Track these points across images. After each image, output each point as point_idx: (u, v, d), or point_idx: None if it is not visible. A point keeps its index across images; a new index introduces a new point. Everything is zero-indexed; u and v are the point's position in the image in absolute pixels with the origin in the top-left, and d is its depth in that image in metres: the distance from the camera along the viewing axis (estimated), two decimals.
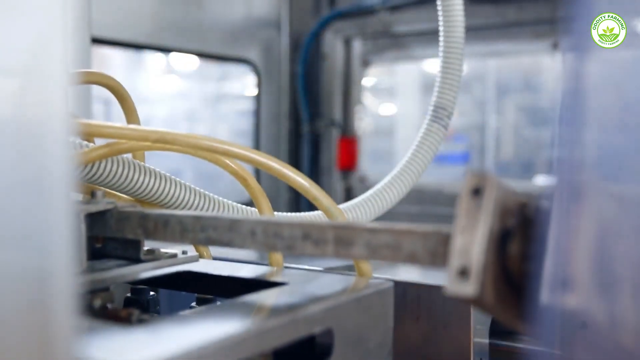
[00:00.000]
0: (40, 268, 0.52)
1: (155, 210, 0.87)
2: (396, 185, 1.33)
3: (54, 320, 0.52)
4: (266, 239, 0.76)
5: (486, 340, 0.99)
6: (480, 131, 5.11)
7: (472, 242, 0.61)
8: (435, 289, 0.97)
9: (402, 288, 0.99)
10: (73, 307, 0.52)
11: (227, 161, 1.00)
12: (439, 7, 1.39)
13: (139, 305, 0.94)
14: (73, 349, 0.53)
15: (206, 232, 0.80)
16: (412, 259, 0.68)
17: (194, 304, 0.94)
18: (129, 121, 1.11)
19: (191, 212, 0.83)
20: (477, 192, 0.63)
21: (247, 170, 1.02)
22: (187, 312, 0.76)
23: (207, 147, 0.94)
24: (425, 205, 3.37)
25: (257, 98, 3.55)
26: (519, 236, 0.64)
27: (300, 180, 0.94)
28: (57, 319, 0.52)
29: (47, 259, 0.52)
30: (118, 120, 1.13)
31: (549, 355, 0.60)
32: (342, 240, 0.72)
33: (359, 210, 1.26)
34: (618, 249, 0.59)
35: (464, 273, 0.60)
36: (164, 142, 0.93)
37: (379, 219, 1.27)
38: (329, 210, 0.95)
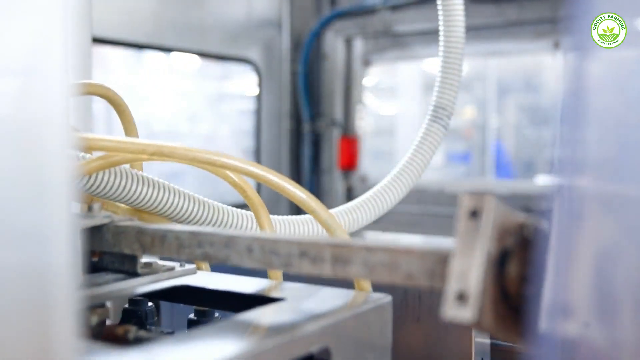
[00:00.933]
0: (41, 271, 0.52)
1: (152, 225, 0.87)
2: (396, 186, 1.31)
3: (55, 342, 0.52)
4: (263, 256, 0.76)
5: (487, 340, 0.98)
6: (481, 131, 5.11)
7: (470, 266, 0.60)
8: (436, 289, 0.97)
9: (403, 289, 0.98)
10: (73, 330, 0.52)
11: (227, 172, 1.00)
12: (439, 7, 1.38)
13: (137, 317, 0.93)
14: None
15: (203, 247, 0.79)
16: (409, 278, 0.67)
17: (192, 315, 0.94)
18: (127, 132, 1.11)
19: (188, 227, 0.83)
20: (474, 214, 0.62)
21: (247, 181, 1.02)
22: (184, 332, 0.76)
23: (204, 160, 0.93)
24: (426, 205, 3.37)
25: (258, 98, 3.54)
26: (518, 256, 0.64)
27: (299, 193, 0.94)
28: (58, 340, 0.52)
29: (48, 258, 0.52)
30: (119, 122, 1.13)
31: (549, 355, 0.60)
32: (339, 259, 0.71)
33: (359, 211, 1.24)
34: (618, 271, 0.59)
35: (462, 298, 0.60)
36: (161, 154, 0.93)
37: (380, 219, 1.25)
38: (326, 223, 0.95)
